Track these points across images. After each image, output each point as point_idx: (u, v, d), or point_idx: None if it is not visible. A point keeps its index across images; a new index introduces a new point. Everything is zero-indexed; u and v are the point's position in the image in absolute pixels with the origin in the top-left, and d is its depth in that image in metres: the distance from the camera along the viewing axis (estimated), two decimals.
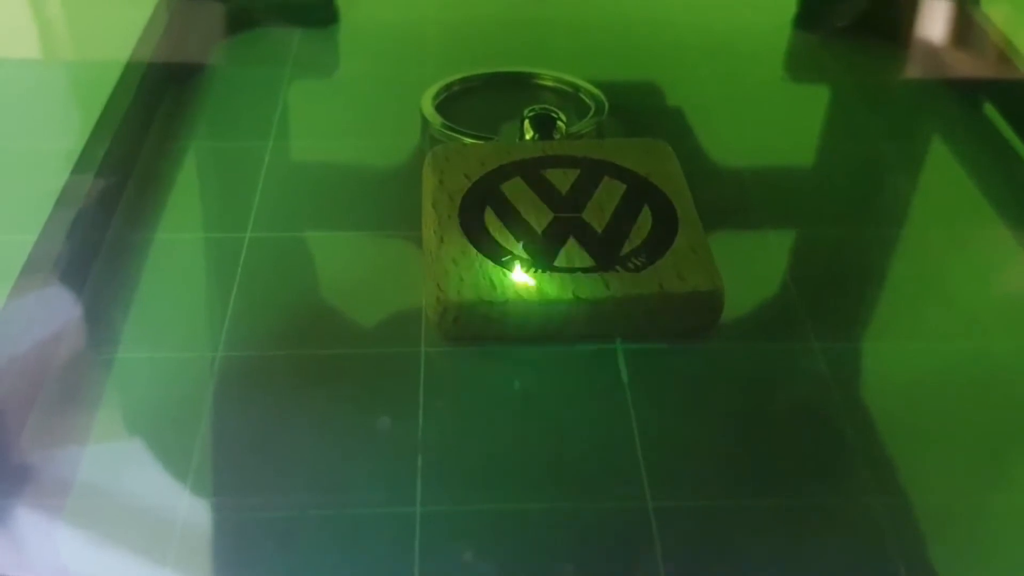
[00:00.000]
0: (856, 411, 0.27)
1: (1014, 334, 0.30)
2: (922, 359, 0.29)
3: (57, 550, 0.24)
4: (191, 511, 0.24)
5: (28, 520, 0.24)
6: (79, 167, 0.33)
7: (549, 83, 0.40)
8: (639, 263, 0.29)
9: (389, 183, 0.35)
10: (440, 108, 0.38)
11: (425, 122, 0.37)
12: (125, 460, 0.25)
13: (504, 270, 0.28)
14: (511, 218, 0.30)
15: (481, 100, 0.40)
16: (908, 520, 0.24)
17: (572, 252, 0.29)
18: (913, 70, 0.44)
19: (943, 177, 0.37)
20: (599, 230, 0.30)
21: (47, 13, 0.47)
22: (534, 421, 0.27)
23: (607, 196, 0.31)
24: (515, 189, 0.31)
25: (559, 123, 0.35)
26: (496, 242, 0.29)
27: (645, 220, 0.30)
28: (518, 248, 0.29)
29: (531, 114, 0.35)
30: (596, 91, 0.39)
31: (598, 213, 0.30)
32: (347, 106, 0.40)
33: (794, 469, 0.26)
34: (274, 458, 0.25)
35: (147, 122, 0.38)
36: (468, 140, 0.36)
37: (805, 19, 0.46)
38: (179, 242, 0.32)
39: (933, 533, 0.24)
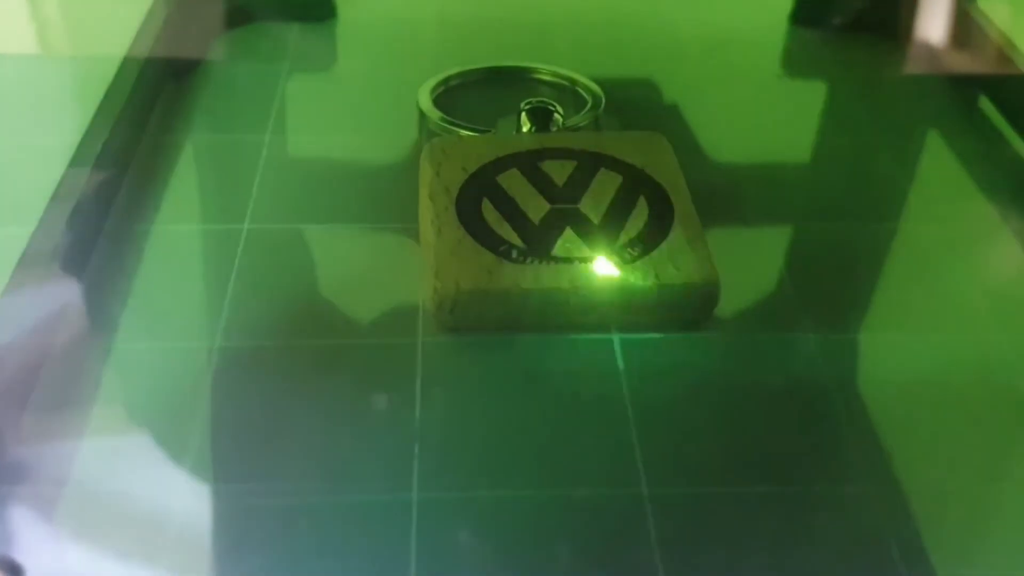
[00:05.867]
0: (851, 401, 0.27)
1: (1008, 326, 0.30)
2: (917, 350, 0.29)
3: (55, 539, 0.24)
4: (189, 499, 0.24)
5: (25, 510, 0.24)
6: (77, 160, 0.33)
7: (546, 77, 0.41)
8: (635, 254, 0.29)
9: (386, 176, 0.35)
10: (437, 102, 0.38)
11: (422, 116, 0.38)
12: (123, 449, 0.25)
13: (501, 260, 0.28)
14: (508, 209, 0.30)
15: (478, 94, 0.40)
16: (901, 508, 0.24)
17: (569, 242, 0.29)
18: (909, 66, 0.45)
19: (939, 171, 0.37)
20: (596, 221, 0.30)
21: (46, 9, 0.47)
22: (530, 409, 0.27)
23: (604, 187, 0.31)
24: (512, 180, 0.31)
25: (556, 116, 0.35)
26: (493, 232, 0.29)
27: (641, 211, 0.30)
28: (515, 238, 0.29)
29: (528, 107, 0.35)
30: (593, 86, 0.39)
31: (595, 204, 0.30)
32: (344, 100, 0.40)
33: (788, 458, 0.26)
34: (272, 447, 0.25)
35: (145, 116, 0.38)
36: (465, 133, 0.36)
37: (802, 15, 0.46)
38: (177, 233, 0.32)
39: (927, 521, 0.24)
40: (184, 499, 0.24)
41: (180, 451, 0.25)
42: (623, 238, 0.29)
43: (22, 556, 0.23)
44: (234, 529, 0.24)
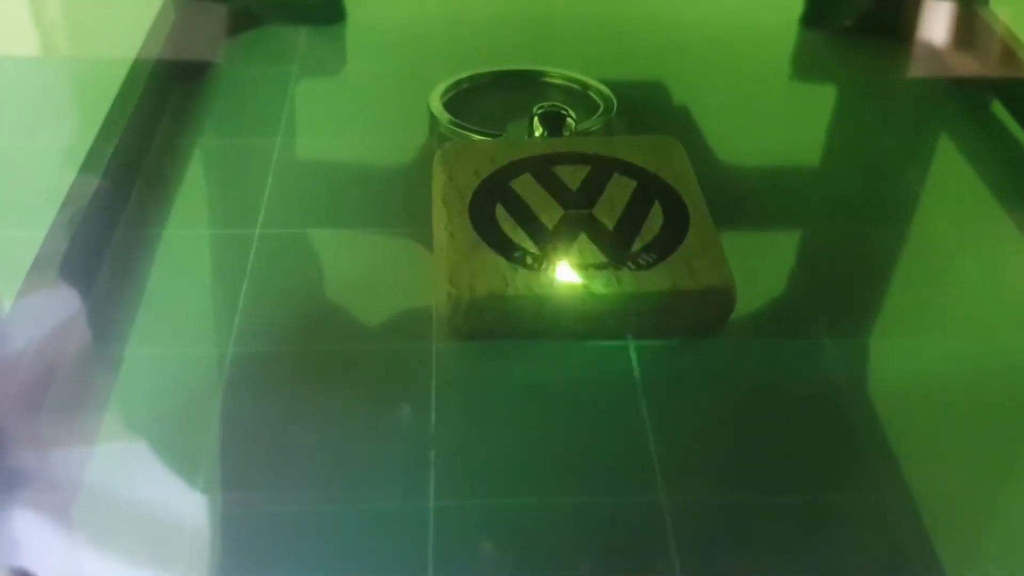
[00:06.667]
0: (867, 406, 0.27)
1: (1022, 330, 0.30)
2: (932, 355, 0.29)
3: (67, 546, 0.23)
4: (202, 506, 0.24)
5: (37, 516, 0.24)
6: (88, 164, 0.33)
7: (558, 81, 0.40)
8: (650, 259, 0.29)
9: (398, 180, 0.35)
10: (448, 106, 0.38)
11: (433, 119, 0.37)
12: (136, 456, 0.25)
13: (515, 266, 0.28)
14: (522, 214, 0.30)
15: (489, 98, 0.40)
16: (922, 516, 0.24)
17: (583, 248, 0.29)
18: (920, 68, 0.45)
19: (951, 174, 0.37)
20: (610, 227, 0.30)
21: (55, 13, 0.47)
22: (546, 417, 0.27)
23: (617, 193, 0.31)
24: (525, 186, 0.31)
25: (569, 120, 0.35)
26: (507, 238, 0.29)
27: (656, 217, 0.30)
28: (529, 244, 0.29)
29: (540, 111, 0.35)
30: (605, 89, 0.39)
31: (609, 210, 0.30)
32: (355, 104, 0.40)
33: (806, 464, 0.26)
34: (285, 454, 0.25)
35: (155, 120, 0.38)
36: (476, 137, 0.36)
37: (812, 17, 0.46)
38: (189, 238, 0.32)
39: (946, 528, 0.24)
40: (197, 506, 0.24)
41: (193, 457, 0.25)
42: (638, 244, 0.29)
43: (34, 562, 0.23)
44: (247, 537, 0.24)
